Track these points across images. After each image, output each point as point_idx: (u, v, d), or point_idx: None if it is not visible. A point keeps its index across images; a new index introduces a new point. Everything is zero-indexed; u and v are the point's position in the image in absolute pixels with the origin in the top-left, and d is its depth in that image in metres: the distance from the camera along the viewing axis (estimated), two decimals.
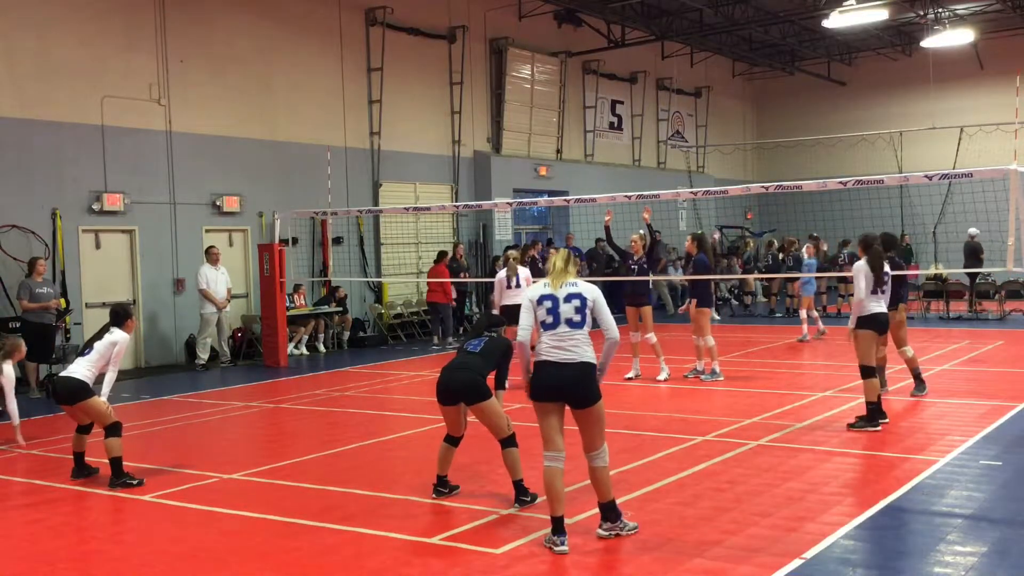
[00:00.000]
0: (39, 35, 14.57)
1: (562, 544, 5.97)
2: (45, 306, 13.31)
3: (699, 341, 12.89)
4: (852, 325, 9.63)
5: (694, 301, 13.02)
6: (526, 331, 6.24)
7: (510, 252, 13.35)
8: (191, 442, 10.18)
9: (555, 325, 6.10)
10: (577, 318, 6.09)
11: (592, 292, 6.17)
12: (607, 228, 13.50)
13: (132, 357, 15.72)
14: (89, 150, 15.11)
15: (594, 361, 6.14)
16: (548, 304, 6.13)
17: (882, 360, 11.05)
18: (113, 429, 8.00)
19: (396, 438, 9.97)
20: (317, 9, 18.66)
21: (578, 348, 6.08)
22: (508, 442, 7.03)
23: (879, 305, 9.59)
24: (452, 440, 7.31)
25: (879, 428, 9.30)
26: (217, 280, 15.79)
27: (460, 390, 7.03)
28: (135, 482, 7.92)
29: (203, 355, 15.71)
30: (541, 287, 6.25)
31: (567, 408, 6.19)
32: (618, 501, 6.66)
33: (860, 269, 9.57)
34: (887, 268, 9.80)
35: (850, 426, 9.41)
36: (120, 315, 8.43)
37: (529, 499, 6.99)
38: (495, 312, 12.61)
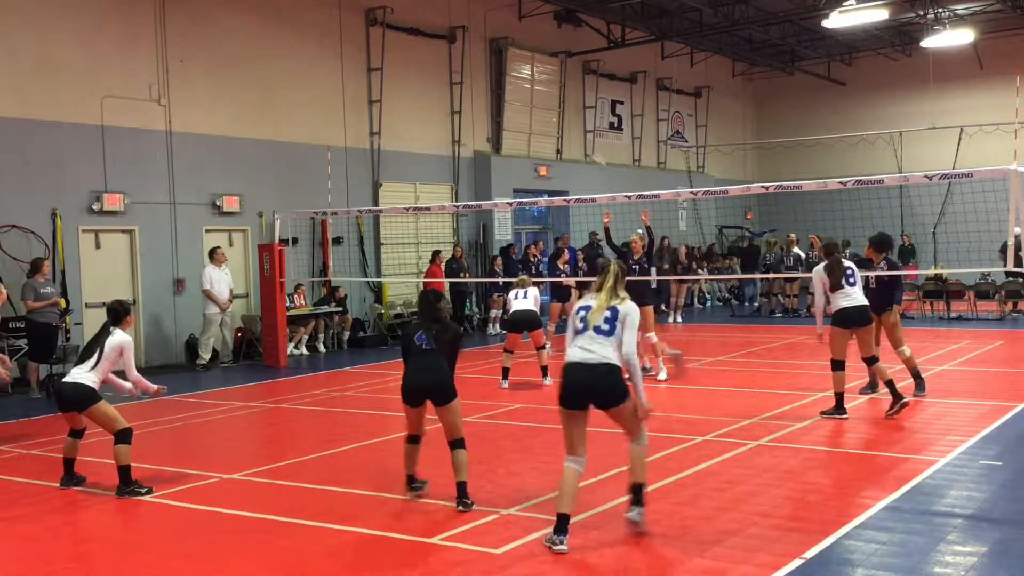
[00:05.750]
0: (39, 35, 14.57)
1: (561, 543, 5.97)
2: (52, 303, 13.30)
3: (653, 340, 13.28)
4: (820, 327, 10.18)
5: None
6: (568, 337, 6.45)
7: (524, 277, 13.62)
8: (191, 442, 10.18)
9: (584, 331, 6.27)
10: (605, 327, 6.23)
11: (625, 308, 6.30)
12: (607, 229, 13.61)
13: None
14: (89, 150, 15.10)
15: (619, 364, 6.19)
16: (582, 313, 6.34)
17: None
18: (123, 435, 7.77)
19: (396, 438, 9.92)
20: (317, 9, 18.66)
21: (602, 350, 6.17)
22: (461, 443, 7.08)
23: (847, 300, 9.92)
24: (416, 439, 7.35)
25: (846, 416, 9.90)
26: (220, 281, 15.81)
27: (431, 392, 7.08)
28: (144, 490, 7.69)
29: (205, 355, 15.73)
30: (586, 299, 6.45)
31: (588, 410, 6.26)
32: (619, 501, 6.69)
33: (816, 274, 10.07)
34: (850, 265, 10.14)
35: (822, 413, 10.05)
36: (119, 313, 8.19)
37: (470, 503, 6.93)
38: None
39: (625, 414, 6.23)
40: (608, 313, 6.25)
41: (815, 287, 10.14)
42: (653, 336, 12.93)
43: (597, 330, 6.21)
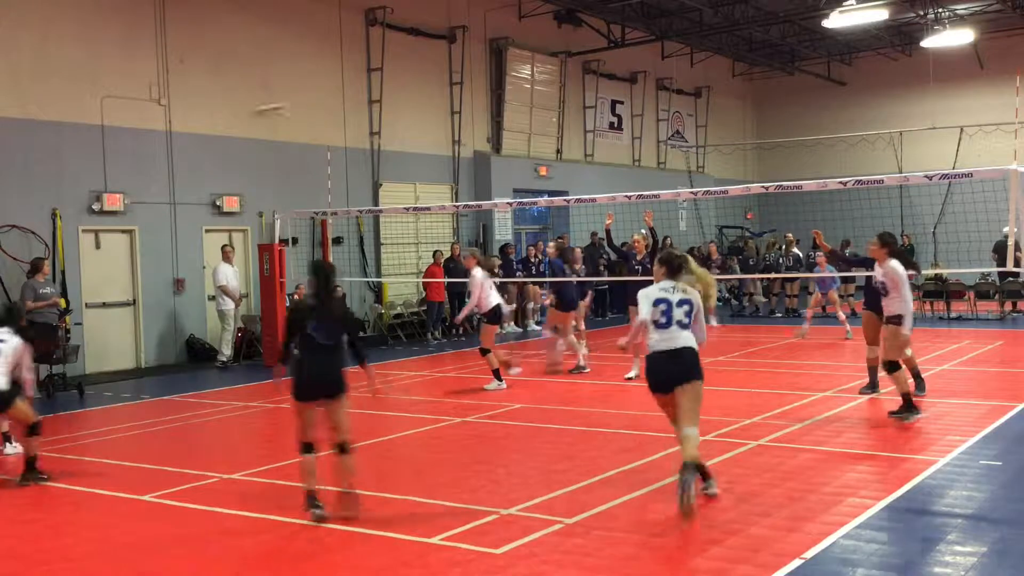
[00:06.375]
0: (39, 35, 14.57)
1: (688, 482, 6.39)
2: (51, 303, 13.30)
3: (569, 339, 13.68)
4: (909, 328, 9.56)
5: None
6: (646, 315, 6.94)
7: (493, 259, 13.48)
8: (191, 442, 10.18)
9: (667, 326, 6.91)
10: (686, 321, 6.95)
11: (696, 299, 7.04)
12: (608, 231, 13.66)
13: (132, 357, 15.74)
14: (89, 150, 15.10)
15: (695, 346, 6.93)
16: (663, 307, 6.95)
17: (874, 361, 11.09)
18: (34, 428, 8.28)
19: (396, 438, 9.97)
20: (317, 9, 18.66)
21: (682, 339, 6.91)
22: (348, 447, 6.84)
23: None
24: (312, 448, 6.87)
25: (920, 416, 9.46)
26: (233, 277, 15.89)
27: (328, 388, 6.76)
28: (45, 477, 8.18)
29: (227, 351, 15.78)
30: (658, 290, 7.03)
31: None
32: (619, 500, 6.71)
33: (901, 272, 9.55)
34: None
35: (890, 414, 9.63)
36: (13, 313, 8.64)
37: (357, 510, 6.72)
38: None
39: (693, 393, 6.80)
40: (687, 307, 6.94)
41: (904, 284, 9.57)
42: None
43: (680, 324, 6.91)
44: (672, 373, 6.84)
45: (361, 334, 7.03)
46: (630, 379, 12.82)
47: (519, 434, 9.86)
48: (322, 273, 6.99)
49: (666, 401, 6.94)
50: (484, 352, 12.60)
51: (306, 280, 6.96)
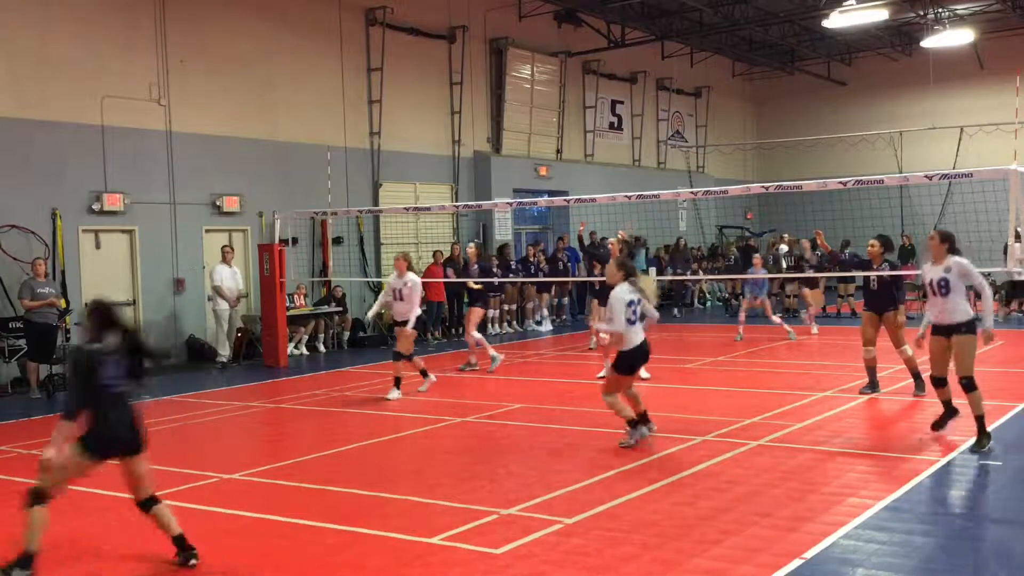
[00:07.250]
0: (39, 35, 14.57)
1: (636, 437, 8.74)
2: (49, 303, 13.29)
3: (474, 337, 14.46)
4: (991, 325, 8.32)
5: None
6: (622, 320, 8.62)
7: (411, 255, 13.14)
8: (191, 442, 10.17)
9: (635, 322, 8.74)
10: (639, 315, 8.83)
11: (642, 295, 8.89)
12: (580, 238, 13.92)
13: None
14: (89, 150, 15.10)
15: None
16: (633, 307, 8.69)
17: (872, 362, 11.10)
18: None
19: (396, 438, 9.97)
20: (317, 9, 18.66)
21: (641, 331, 8.83)
22: (156, 500, 6.13)
23: None
24: (48, 499, 5.93)
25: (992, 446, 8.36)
26: (230, 278, 15.87)
27: (129, 438, 5.90)
28: None
29: (223, 352, 15.77)
30: (628, 293, 8.68)
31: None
32: (619, 500, 6.70)
33: (973, 268, 8.34)
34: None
35: (971, 451, 8.28)
36: None
37: (194, 553, 5.99)
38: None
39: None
40: (641, 304, 8.77)
41: (979, 276, 8.30)
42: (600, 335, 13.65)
43: (640, 319, 8.76)
44: (644, 358, 9.06)
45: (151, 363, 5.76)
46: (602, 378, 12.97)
47: (519, 434, 9.86)
48: (101, 314, 5.93)
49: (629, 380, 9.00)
50: (399, 357, 12.08)
51: (85, 324, 5.95)
